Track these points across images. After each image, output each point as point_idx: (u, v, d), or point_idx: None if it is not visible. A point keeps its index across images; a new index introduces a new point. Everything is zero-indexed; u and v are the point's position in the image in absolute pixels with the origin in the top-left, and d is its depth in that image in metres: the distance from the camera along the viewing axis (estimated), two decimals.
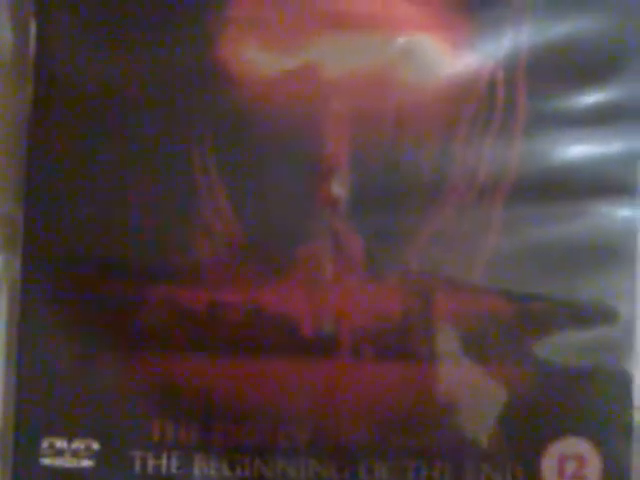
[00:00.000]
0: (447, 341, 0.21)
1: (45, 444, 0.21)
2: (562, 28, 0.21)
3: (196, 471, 0.21)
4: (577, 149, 0.21)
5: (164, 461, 0.21)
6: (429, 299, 0.21)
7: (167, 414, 0.21)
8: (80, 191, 0.22)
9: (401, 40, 0.21)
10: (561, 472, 0.21)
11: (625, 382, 0.21)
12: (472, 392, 0.21)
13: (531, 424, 0.21)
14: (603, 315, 0.21)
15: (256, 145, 0.21)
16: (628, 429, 0.21)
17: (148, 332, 0.21)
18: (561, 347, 0.22)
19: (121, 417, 0.21)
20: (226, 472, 0.21)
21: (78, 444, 0.21)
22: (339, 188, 0.21)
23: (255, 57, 0.22)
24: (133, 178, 0.21)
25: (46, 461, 0.21)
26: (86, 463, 0.21)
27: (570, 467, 0.21)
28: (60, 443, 0.21)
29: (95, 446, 0.21)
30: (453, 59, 0.22)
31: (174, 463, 0.21)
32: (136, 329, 0.21)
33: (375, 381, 0.21)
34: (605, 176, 0.21)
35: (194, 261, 0.21)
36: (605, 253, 0.21)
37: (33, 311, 0.22)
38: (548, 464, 0.21)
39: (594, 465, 0.21)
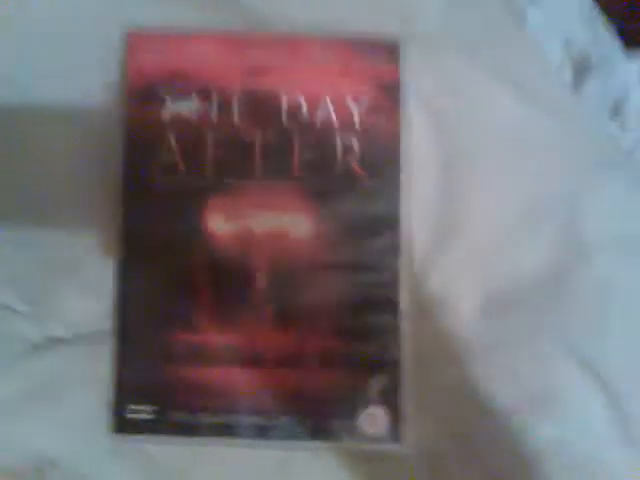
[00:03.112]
0: None
1: None
2: None
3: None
4: None
5: None
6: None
7: None
8: None
9: None
10: (369, 422, 0.40)
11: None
12: None
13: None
14: None
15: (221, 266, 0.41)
16: (398, 396, 0.40)
17: None
18: None
19: None
20: None
21: None
22: (261, 283, 0.41)
23: (220, 225, 0.42)
24: None
25: None
26: None
27: (372, 420, 0.40)
28: None
29: None
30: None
31: None
32: None
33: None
34: None
35: None
36: None
37: None
38: (363, 418, 0.40)
39: (384, 419, 0.40)
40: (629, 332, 0.41)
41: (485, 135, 0.43)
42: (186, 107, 0.42)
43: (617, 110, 0.44)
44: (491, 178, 0.42)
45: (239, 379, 0.41)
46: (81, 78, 0.43)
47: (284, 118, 0.42)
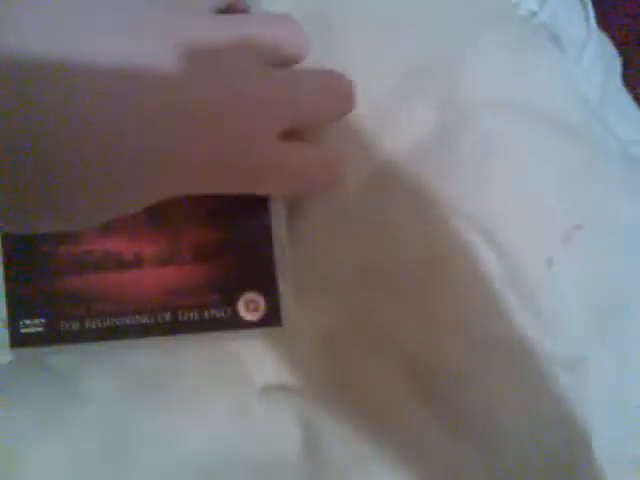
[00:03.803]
0: None
1: None
2: None
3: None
4: None
5: None
6: None
7: None
8: None
9: None
10: (247, 308, 0.40)
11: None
12: None
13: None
14: None
15: None
16: (273, 280, 0.39)
17: None
18: None
19: None
20: None
21: None
22: None
23: None
24: None
25: None
26: None
27: (251, 306, 0.39)
28: None
29: None
30: None
31: None
32: None
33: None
34: None
35: None
36: None
37: None
38: (241, 305, 0.40)
39: (262, 304, 0.39)
40: (513, 191, 0.40)
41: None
42: None
43: None
44: (368, 39, 0.40)
45: (122, 282, 0.40)
46: None
47: None
